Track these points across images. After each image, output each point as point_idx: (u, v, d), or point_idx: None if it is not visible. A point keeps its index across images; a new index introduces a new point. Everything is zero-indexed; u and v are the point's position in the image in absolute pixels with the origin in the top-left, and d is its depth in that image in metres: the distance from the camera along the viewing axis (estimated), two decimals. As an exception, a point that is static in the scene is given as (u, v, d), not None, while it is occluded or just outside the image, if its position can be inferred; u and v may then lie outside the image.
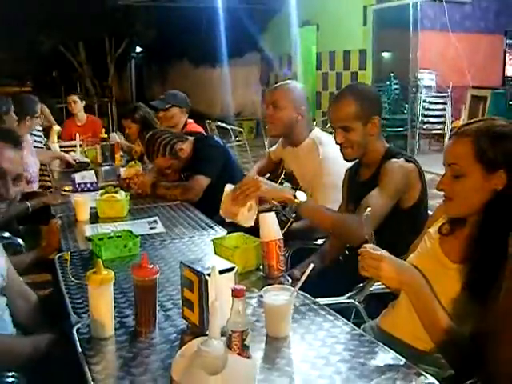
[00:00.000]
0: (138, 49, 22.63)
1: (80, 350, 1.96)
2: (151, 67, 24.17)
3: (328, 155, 3.58)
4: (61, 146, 6.74)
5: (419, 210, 2.90)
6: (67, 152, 6.21)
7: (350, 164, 3.25)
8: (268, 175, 4.27)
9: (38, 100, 5.73)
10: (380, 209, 2.75)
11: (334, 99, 3.07)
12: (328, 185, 3.50)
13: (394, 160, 2.88)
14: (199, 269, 1.99)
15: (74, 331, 2.09)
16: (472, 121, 2.16)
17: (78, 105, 7.98)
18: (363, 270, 2.03)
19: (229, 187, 2.80)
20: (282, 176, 3.98)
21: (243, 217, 2.73)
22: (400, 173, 2.84)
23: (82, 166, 5.64)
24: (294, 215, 3.25)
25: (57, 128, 7.36)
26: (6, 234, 3.86)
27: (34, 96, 5.89)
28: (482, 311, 1.87)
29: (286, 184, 3.90)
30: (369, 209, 2.27)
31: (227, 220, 2.86)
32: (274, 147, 4.41)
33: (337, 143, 3.03)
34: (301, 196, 2.78)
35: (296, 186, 3.87)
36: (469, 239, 2.07)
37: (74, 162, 5.75)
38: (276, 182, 3.96)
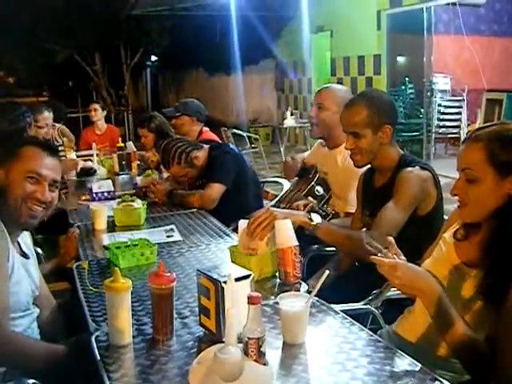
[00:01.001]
0: (153, 57, 22.72)
1: (98, 357, 1.98)
2: (166, 76, 24.25)
3: None
4: (78, 156, 6.78)
5: (435, 216, 2.90)
6: (84, 161, 6.25)
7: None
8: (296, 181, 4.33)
9: (42, 109, 5.70)
10: (396, 222, 2.78)
11: (346, 105, 3.09)
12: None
13: (410, 169, 2.88)
14: (215, 276, 2.01)
15: (93, 339, 2.11)
16: (484, 125, 2.17)
17: (98, 113, 8.04)
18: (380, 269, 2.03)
19: (243, 222, 2.76)
20: (315, 180, 4.03)
21: (263, 251, 2.70)
22: (416, 182, 2.84)
23: (87, 173, 5.64)
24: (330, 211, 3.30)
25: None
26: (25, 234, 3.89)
27: (48, 106, 5.91)
28: (496, 316, 1.87)
29: (318, 188, 3.94)
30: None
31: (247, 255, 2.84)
32: (308, 153, 4.46)
33: (346, 148, 3.05)
34: (316, 218, 2.79)
35: (328, 191, 3.91)
36: (483, 244, 2.07)
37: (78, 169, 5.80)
38: (308, 186, 4.01)
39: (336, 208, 3.85)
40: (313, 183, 4.04)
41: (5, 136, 3.69)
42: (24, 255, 2.52)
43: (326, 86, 4.07)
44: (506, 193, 2.02)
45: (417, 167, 2.89)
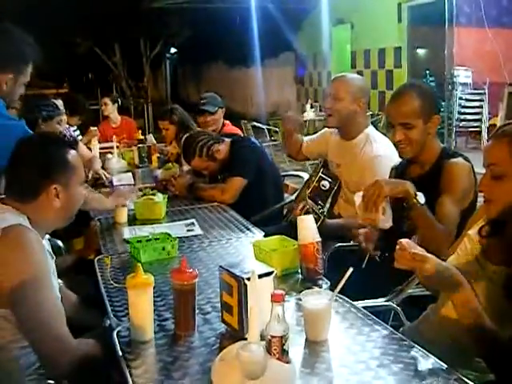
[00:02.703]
0: (173, 49, 22.74)
1: (120, 353, 1.98)
2: (186, 68, 24.29)
3: (381, 153, 3.57)
4: (100, 148, 6.77)
5: (471, 211, 2.84)
6: (104, 154, 6.24)
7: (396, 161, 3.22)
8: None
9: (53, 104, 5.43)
10: (455, 216, 2.71)
11: (394, 96, 3.00)
12: None
13: (455, 160, 2.83)
14: (238, 273, 2.00)
15: (115, 334, 2.11)
16: (511, 121, 2.14)
17: (109, 107, 8.01)
18: (398, 263, 2.00)
19: (358, 197, 2.80)
20: (320, 173, 3.95)
21: (381, 221, 2.73)
22: (465, 173, 2.80)
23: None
24: (325, 213, 3.24)
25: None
26: (46, 236, 3.89)
27: (56, 100, 5.80)
28: None
29: (323, 183, 3.87)
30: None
31: (368, 227, 2.93)
32: (309, 139, 4.38)
33: (395, 140, 2.97)
34: (421, 198, 2.70)
35: (334, 184, 3.85)
36: (509, 241, 2.04)
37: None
38: (313, 183, 3.93)
39: (344, 198, 3.82)
40: (319, 176, 3.96)
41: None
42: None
43: (340, 75, 3.96)
44: None
45: (460, 158, 2.86)
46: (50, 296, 2.15)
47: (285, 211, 4.45)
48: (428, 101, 2.90)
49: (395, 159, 3.36)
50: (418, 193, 2.70)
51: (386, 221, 2.75)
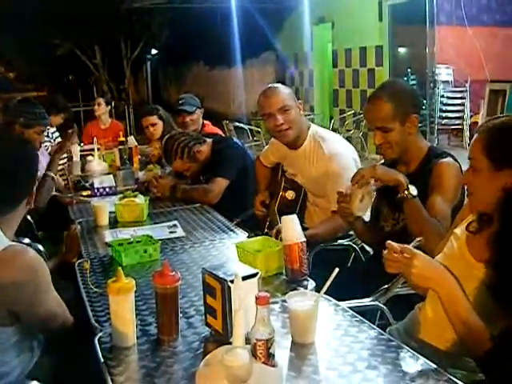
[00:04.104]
0: (154, 51, 22.68)
1: (102, 359, 1.93)
2: (167, 69, 24.23)
3: (335, 151, 3.53)
4: (81, 151, 6.69)
5: (459, 210, 2.82)
6: (85, 156, 6.18)
7: (355, 156, 3.20)
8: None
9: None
10: (446, 214, 2.68)
11: (369, 99, 2.98)
12: (344, 180, 3.35)
13: (446, 160, 2.82)
14: (221, 275, 1.95)
15: (96, 340, 2.06)
16: (494, 116, 2.15)
17: (102, 107, 7.92)
18: (389, 268, 1.99)
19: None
20: (283, 184, 3.89)
21: (355, 207, 2.76)
22: (454, 173, 2.78)
23: None
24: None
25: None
26: (26, 241, 3.81)
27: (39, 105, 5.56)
28: (507, 312, 1.83)
29: (290, 193, 3.83)
30: (418, 239, 2.19)
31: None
32: (265, 151, 4.30)
33: (376, 144, 2.96)
34: (413, 190, 2.66)
35: (300, 192, 3.79)
36: (492, 238, 2.02)
37: None
38: (278, 192, 3.88)
39: (311, 202, 3.78)
40: (283, 187, 3.91)
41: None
42: None
43: (268, 89, 3.74)
44: (502, 186, 1.97)
45: (449, 158, 2.84)
46: (54, 291, 2.25)
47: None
48: (402, 101, 2.86)
49: (350, 152, 3.53)
50: (410, 185, 2.67)
51: (360, 209, 2.78)
